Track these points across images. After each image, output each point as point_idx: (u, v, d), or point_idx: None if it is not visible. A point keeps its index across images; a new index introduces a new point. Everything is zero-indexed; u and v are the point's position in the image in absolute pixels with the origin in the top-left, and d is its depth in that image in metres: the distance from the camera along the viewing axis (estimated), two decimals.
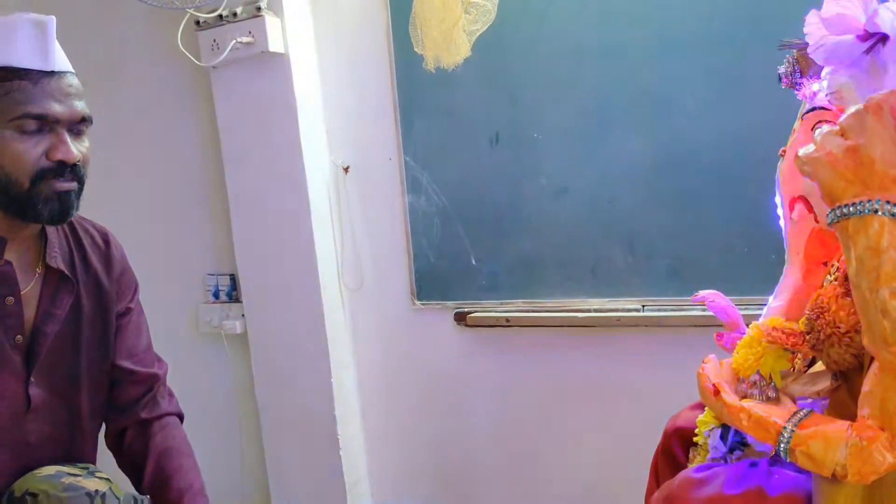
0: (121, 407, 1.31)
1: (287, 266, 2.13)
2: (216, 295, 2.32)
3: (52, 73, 1.06)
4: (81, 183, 1.11)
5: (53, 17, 1.06)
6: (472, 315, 2.05)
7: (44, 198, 1.07)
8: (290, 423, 2.22)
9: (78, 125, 1.10)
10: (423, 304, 2.13)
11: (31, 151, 1.05)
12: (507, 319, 2.00)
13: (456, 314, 2.08)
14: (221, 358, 2.32)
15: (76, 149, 1.08)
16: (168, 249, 2.33)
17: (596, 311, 1.91)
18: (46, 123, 1.05)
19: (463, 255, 2.04)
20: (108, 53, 2.25)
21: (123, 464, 1.33)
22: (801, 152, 0.73)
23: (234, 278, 2.28)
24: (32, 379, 1.16)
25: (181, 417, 1.38)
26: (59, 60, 1.07)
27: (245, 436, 2.34)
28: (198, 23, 2.01)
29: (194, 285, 2.36)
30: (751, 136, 1.69)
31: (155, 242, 2.32)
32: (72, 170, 1.08)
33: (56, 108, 1.05)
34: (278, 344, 2.20)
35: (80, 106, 1.09)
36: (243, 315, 2.26)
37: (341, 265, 2.20)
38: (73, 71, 1.10)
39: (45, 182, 1.06)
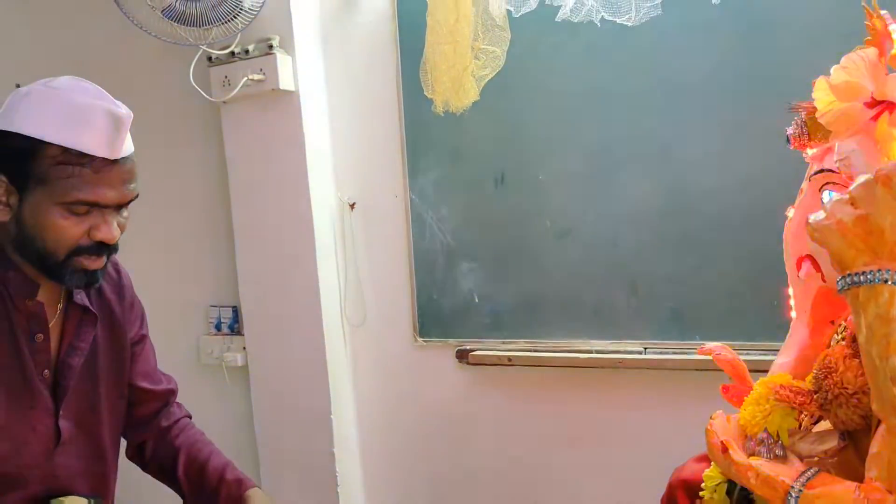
0: (140, 422, 1.37)
1: (290, 300, 2.14)
2: (218, 327, 2.32)
3: (115, 161, 1.06)
4: (111, 254, 1.14)
5: (131, 114, 1.08)
6: (473, 353, 2.05)
7: (72, 270, 1.09)
8: (289, 458, 2.21)
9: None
10: (425, 341, 2.14)
11: (73, 229, 1.06)
12: (510, 359, 2.00)
13: (458, 352, 2.09)
14: (221, 390, 2.31)
15: (116, 227, 1.10)
16: (172, 280, 2.34)
17: (598, 352, 1.91)
18: (96, 207, 1.07)
19: (466, 293, 2.05)
20: (121, 85, 2.24)
21: (151, 469, 1.39)
22: (811, 219, 0.74)
23: (236, 311, 2.28)
24: (61, 412, 1.18)
25: (190, 418, 1.46)
26: (125, 149, 1.08)
27: (242, 470, 2.33)
28: (210, 59, 2.04)
29: (196, 316, 2.36)
30: (753, 184, 1.72)
31: (159, 272, 2.33)
32: (107, 248, 1.11)
33: (109, 195, 1.07)
34: (279, 378, 2.20)
35: (132, 188, 1.11)
36: (244, 348, 2.26)
37: (344, 300, 2.21)
38: (132, 151, 1.11)
39: (78, 258, 1.08)
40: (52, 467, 1.17)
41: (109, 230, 1.08)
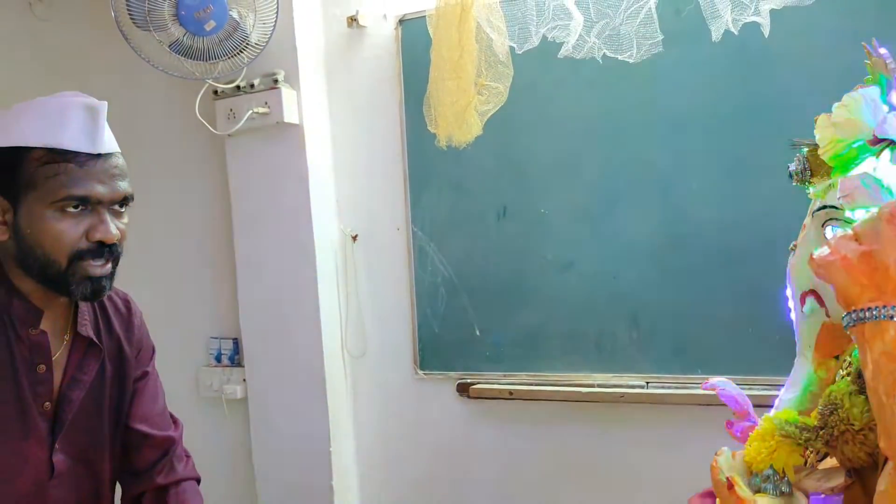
0: (137, 472, 1.30)
1: (291, 332, 2.14)
2: (218, 358, 2.31)
3: (99, 155, 1.07)
4: (116, 261, 1.12)
5: (105, 103, 1.09)
6: (474, 386, 2.05)
7: (78, 279, 1.08)
8: (287, 491, 2.19)
9: (119, 203, 1.11)
10: (425, 374, 2.13)
11: (70, 231, 1.06)
12: (511, 392, 1.99)
13: (458, 385, 2.08)
14: (220, 422, 2.30)
15: (114, 228, 1.09)
16: (173, 311, 2.34)
17: (600, 386, 1.91)
18: (89, 203, 1.07)
19: (467, 325, 2.05)
20: (128, 118, 2.29)
21: None
22: (815, 255, 0.74)
23: (237, 342, 2.28)
24: (57, 446, 1.16)
25: (198, 481, 1.37)
26: (107, 143, 1.09)
27: None
28: (216, 92, 2.06)
29: (197, 348, 2.35)
30: (754, 217, 1.73)
31: (160, 302, 2.30)
32: (109, 249, 1.09)
33: (99, 190, 1.06)
34: (278, 410, 2.19)
35: (123, 185, 1.10)
36: (244, 380, 2.25)
37: (345, 332, 2.20)
38: (118, 151, 1.12)
39: (82, 263, 1.07)
40: (43, 499, 1.15)
41: (107, 229, 1.07)
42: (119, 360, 1.25)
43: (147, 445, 1.29)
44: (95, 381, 1.21)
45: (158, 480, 1.29)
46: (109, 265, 1.11)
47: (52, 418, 1.16)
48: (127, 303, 1.31)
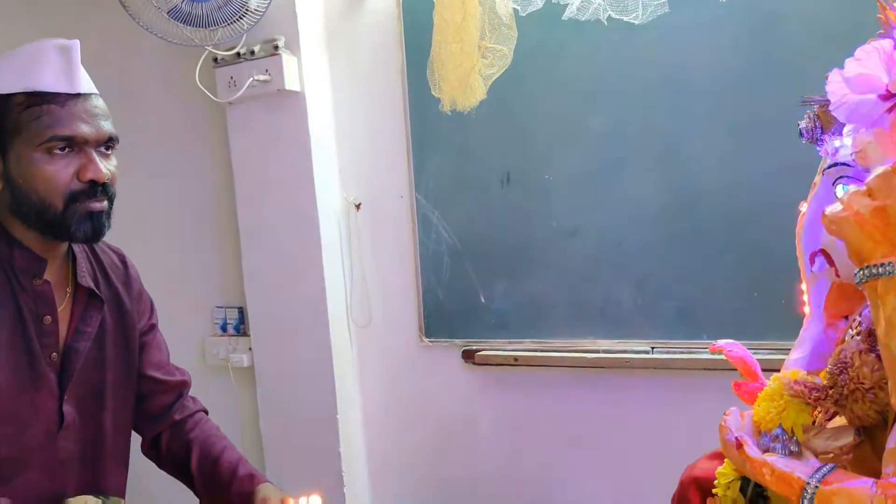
0: (153, 415, 1.36)
1: (296, 301, 2.14)
2: (224, 328, 2.32)
3: (79, 95, 1.09)
4: (111, 201, 1.14)
5: (77, 42, 1.10)
6: (480, 353, 2.05)
7: (77, 218, 1.10)
8: (295, 459, 2.20)
9: (105, 144, 1.13)
10: (431, 342, 2.13)
11: (61, 173, 1.08)
12: (516, 358, 2.00)
13: (464, 352, 2.08)
14: (227, 391, 2.31)
15: (105, 167, 1.11)
16: (177, 281, 2.33)
17: (605, 352, 1.91)
18: (75, 144, 1.08)
19: (472, 293, 2.05)
20: (127, 86, 2.28)
21: (165, 464, 1.38)
22: (828, 211, 0.74)
23: (242, 312, 2.28)
24: (66, 397, 1.18)
25: (206, 413, 1.44)
26: (85, 83, 1.11)
27: None
28: (216, 60, 2.04)
29: (202, 317, 2.35)
30: (761, 181, 1.71)
31: (164, 273, 2.31)
32: (102, 188, 1.11)
33: (84, 129, 1.08)
34: (285, 378, 2.19)
35: (107, 126, 1.12)
36: (251, 348, 2.25)
37: (350, 301, 2.20)
38: (97, 93, 1.13)
39: (78, 203, 1.09)
40: (54, 451, 1.17)
41: (97, 168, 1.09)
42: (119, 312, 1.28)
43: (162, 391, 1.36)
44: (98, 333, 1.23)
45: (175, 417, 1.37)
46: (106, 202, 1.12)
47: (60, 369, 1.17)
48: (122, 257, 1.34)
